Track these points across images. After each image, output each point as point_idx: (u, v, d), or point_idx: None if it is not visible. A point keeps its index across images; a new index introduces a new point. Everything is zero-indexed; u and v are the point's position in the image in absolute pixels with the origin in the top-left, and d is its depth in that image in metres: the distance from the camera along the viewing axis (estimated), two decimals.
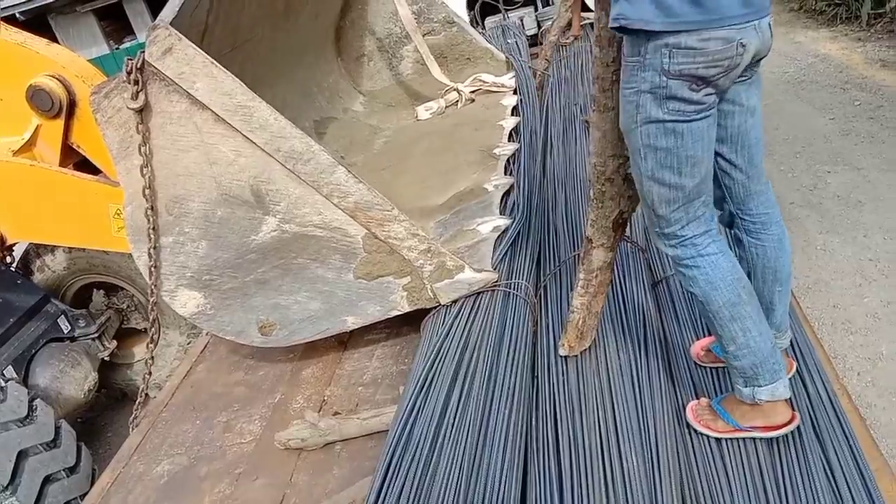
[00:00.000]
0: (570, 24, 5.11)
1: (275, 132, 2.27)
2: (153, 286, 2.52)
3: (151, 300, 2.56)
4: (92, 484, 3.05)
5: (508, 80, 4.77)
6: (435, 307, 2.46)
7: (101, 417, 4.38)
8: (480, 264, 2.49)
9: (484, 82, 4.76)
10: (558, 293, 2.41)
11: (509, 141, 3.70)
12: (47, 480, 2.83)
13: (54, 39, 12.48)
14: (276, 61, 3.95)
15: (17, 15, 11.84)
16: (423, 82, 5.05)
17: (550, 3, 7.17)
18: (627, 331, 2.13)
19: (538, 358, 2.14)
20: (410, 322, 2.53)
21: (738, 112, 1.64)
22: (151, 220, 2.44)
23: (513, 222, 2.75)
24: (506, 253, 2.58)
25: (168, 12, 2.30)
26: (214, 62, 2.22)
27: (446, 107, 4.73)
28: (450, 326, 2.26)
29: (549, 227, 2.89)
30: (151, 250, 2.48)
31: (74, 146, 3.33)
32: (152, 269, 2.51)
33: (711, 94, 1.52)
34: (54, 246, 3.88)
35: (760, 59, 1.58)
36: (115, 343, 4.01)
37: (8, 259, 3.83)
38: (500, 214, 2.86)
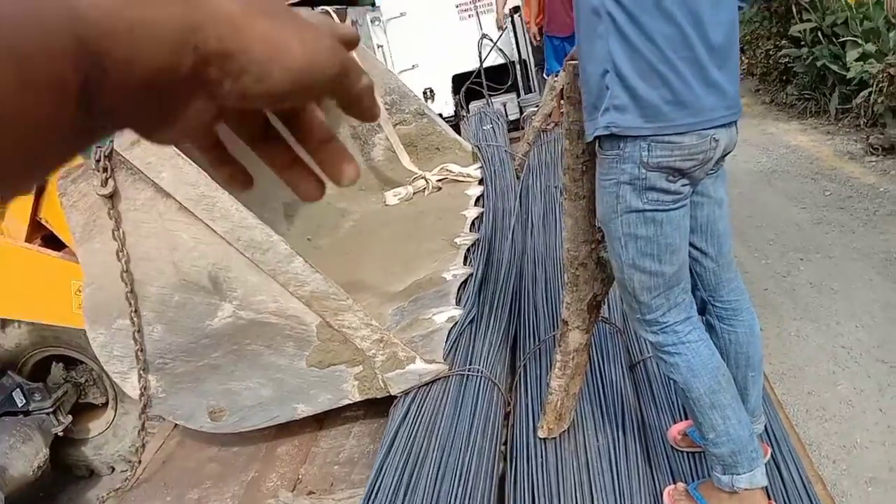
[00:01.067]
0: (552, 112, 5.38)
1: (236, 222, 2.34)
2: (141, 368, 2.54)
3: (141, 386, 2.57)
4: None
5: (474, 170, 4.94)
6: (385, 397, 2.50)
7: (55, 497, 4.25)
8: (432, 355, 2.54)
9: (450, 172, 4.93)
10: (538, 373, 2.43)
11: (471, 231, 3.81)
12: None
13: None
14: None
15: None
16: (393, 169, 5.21)
17: (532, 90, 7.50)
18: (605, 413, 2.16)
19: (515, 439, 2.15)
20: (389, 399, 2.54)
21: (707, 203, 1.71)
22: (132, 303, 2.46)
23: (473, 308, 2.82)
24: (473, 336, 2.62)
25: None
26: (180, 153, 2.31)
27: (414, 193, 4.87)
28: (408, 411, 2.29)
29: (529, 307, 2.94)
30: (136, 334, 2.49)
31: (43, 221, 3.37)
32: (138, 353, 2.52)
33: (687, 184, 1.59)
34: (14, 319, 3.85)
35: (727, 153, 1.66)
36: (70, 418, 3.93)
37: None
38: (456, 305, 2.93)
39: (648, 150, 1.53)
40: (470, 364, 2.47)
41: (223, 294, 2.44)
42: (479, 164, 5.02)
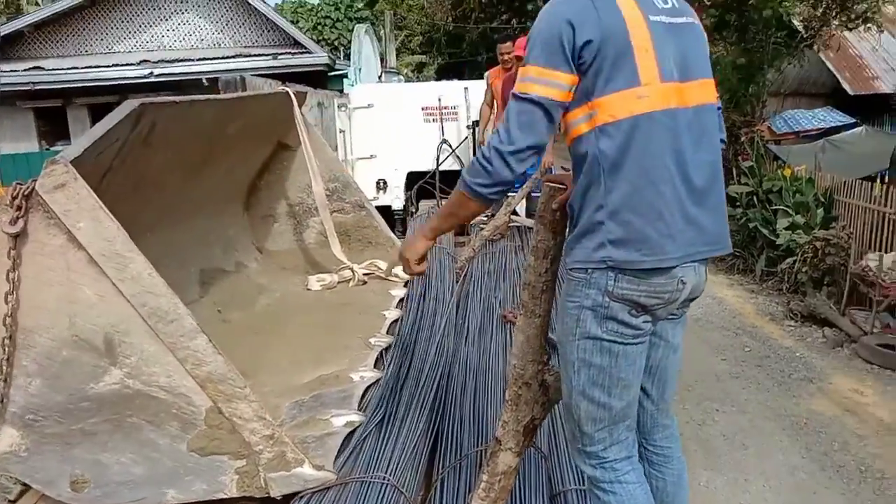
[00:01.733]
0: (504, 225, 5.50)
1: (146, 286, 2.25)
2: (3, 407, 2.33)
3: None
4: None
5: (403, 271, 4.95)
6: (265, 497, 2.36)
7: None
8: (322, 460, 2.44)
9: (379, 268, 4.92)
10: (456, 488, 2.32)
11: (388, 333, 3.77)
12: None
13: None
14: (178, 206, 3.97)
15: None
16: (322, 255, 5.17)
17: None
18: None
19: None
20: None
21: (663, 347, 1.71)
22: (7, 349, 2.30)
23: (381, 410, 2.74)
24: (382, 441, 2.53)
25: (73, 150, 2.33)
26: (103, 207, 2.23)
27: (338, 282, 4.83)
28: None
29: (454, 417, 2.82)
30: (1, 382, 2.31)
31: None
32: (3, 398, 2.33)
33: (649, 321, 1.60)
34: None
35: (693, 298, 1.67)
36: None
37: None
38: (358, 410, 2.85)
39: (615, 281, 1.55)
40: (375, 470, 2.36)
41: (115, 358, 2.31)
42: None
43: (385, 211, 8.35)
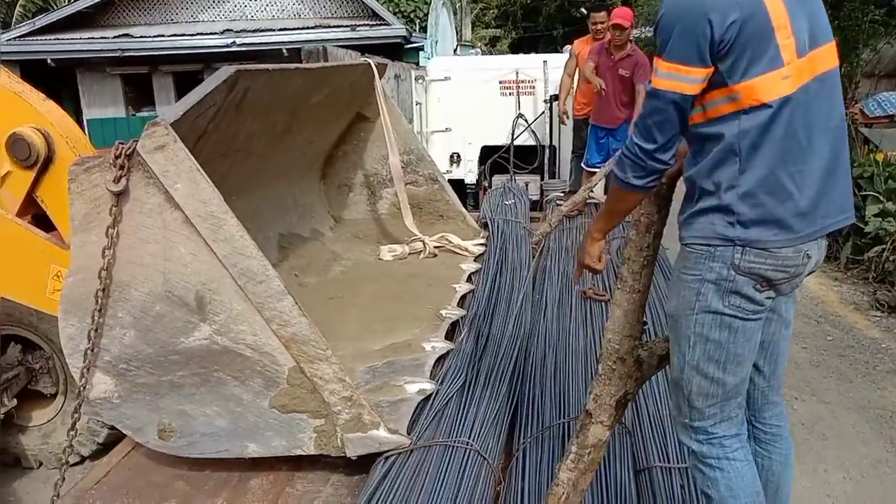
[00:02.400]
0: (583, 201, 5.46)
1: (237, 248, 2.33)
2: (86, 368, 2.48)
3: (82, 383, 2.50)
4: None
5: (473, 245, 4.97)
6: (342, 457, 2.44)
7: None
8: (396, 425, 2.50)
9: (449, 241, 4.96)
10: (538, 458, 2.35)
11: (459, 306, 3.81)
12: None
13: (76, 92, 12.71)
14: (261, 172, 4.09)
15: (49, 61, 12.14)
16: (394, 225, 5.24)
17: (556, 175, 7.69)
18: None
19: None
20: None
21: (776, 321, 1.69)
22: (100, 301, 2.42)
23: (460, 378, 2.78)
24: (463, 409, 2.56)
25: (172, 113, 2.42)
26: (199, 169, 2.31)
27: (409, 254, 4.89)
28: (388, 472, 2.22)
29: (533, 390, 2.84)
30: (92, 332, 2.44)
31: (38, 199, 3.34)
32: (88, 351, 2.46)
33: (771, 297, 1.57)
34: None
35: (811, 273, 1.64)
36: (15, 402, 3.80)
37: None
38: (430, 379, 2.90)
39: (742, 255, 1.53)
40: (457, 436, 2.40)
41: (205, 315, 2.41)
42: (478, 241, 5.06)
43: (458, 185, 8.28)
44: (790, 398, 4.79)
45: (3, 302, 3.74)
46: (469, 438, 2.36)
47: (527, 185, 7.17)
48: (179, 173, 2.31)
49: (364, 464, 2.41)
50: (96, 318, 2.44)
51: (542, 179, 7.70)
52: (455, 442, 2.35)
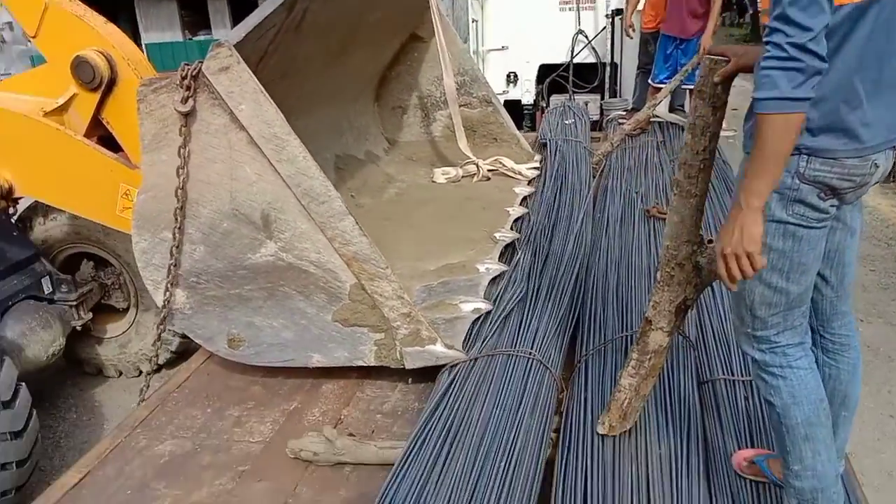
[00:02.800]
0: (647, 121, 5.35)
1: (300, 168, 2.40)
2: (169, 283, 2.63)
3: (166, 297, 2.66)
4: (31, 455, 3.04)
5: (527, 169, 4.96)
6: (401, 368, 2.56)
7: (61, 388, 4.39)
8: (453, 341, 2.60)
9: (503, 165, 4.95)
10: (601, 370, 2.40)
11: (512, 229, 3.85)
12: None
13: (133, 16, 12.73)
14: (317, 93, 4.12)
15: None
16: (448, 148, 5.25)
17: (617, 94, 7.36)
18: (670, 424, 2.11)
19: (570, 429, 2.12)
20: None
21: (841, 230, 1.66)
22: (179, 219, 2.54)
23: (521, 289, 2.85)
24: (524, 320, 2.63)
25: (235, 34, 2.46)
26: (263, 91, 2.37)
27: (462, 177, 4.91)
28: (454, 379, 2.31)
29: (595, 305, 2.87)
30: (174, 248, 2.57)
31: (104, 121, 3.46)
32: (171, 266, 2.60)
33: (835, 205, 1.55)
34: (59, 209, 3.97)
35: (878, 182, 1.61)
36: (90, 315, 4.05)
37: (10, 210, 3.91)
38: (484, 299, 2.98)
39: (807, 163, 1.50)
40: (519, 347, 2.46)
41: (270, 233, 2.51)
42: (532, 164, 5.05)
43: (515, 105, 8.00)
44: (856, 321, 4.69)
45: (75, 221, 3.94)
46: (531, 349, 2.43)
47: (586, 105, 6.84)
48: (244, 94, 2.37)
49: (430, 373, 2.52)
50: (176, 235, 2.57)
51: (603, 98, 7.42)
52: (517, 352, 2.41)
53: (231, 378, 2.73)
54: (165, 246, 2.63)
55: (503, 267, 3.31)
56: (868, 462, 3.40)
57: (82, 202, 3.50)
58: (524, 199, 4.37)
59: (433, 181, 4.93)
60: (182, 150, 2.46)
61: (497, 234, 3.72)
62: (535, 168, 5.01)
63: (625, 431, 2.05)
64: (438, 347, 2.51)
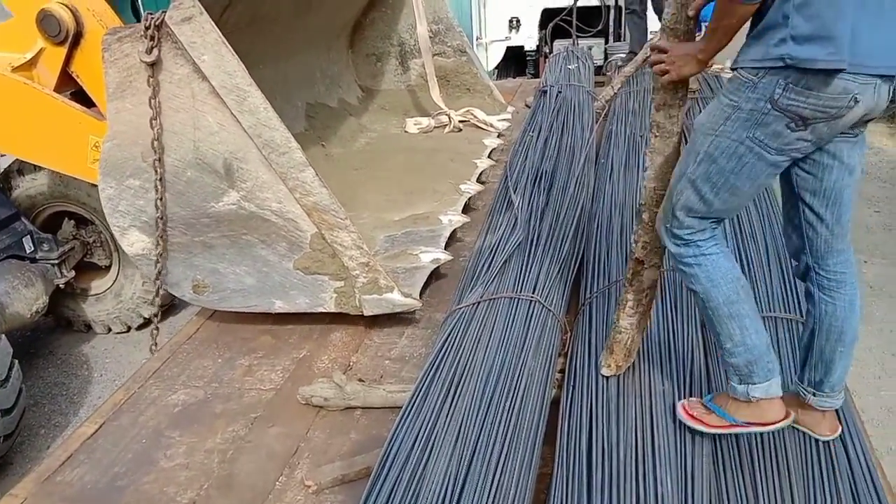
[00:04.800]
0: (645, 61, 5.30)
1: (261, 119, 2.45)
2: (162, 228, 2.68)
3: (157, 253, 2.73)
4: (16, 404, 3.13)
5: (498, 121, 5.01)
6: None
7: (46, 344, 4.48)
8: (411, 290, 2.70)
9: (475, 117, 5.00)
10: (604, 311, 2.41)
11: (478, 181, 3.93)
12: None
13: None
14: (288, 41, 4.12)
15: None
16: (421, 98, 5.28)
17: (623, 38, 7.14)
18: (674, 361, 2.13)
19: (574, 370, 2.14)
20: (443, 309, 2.64)
21: (838, 168, 1.66)
22: (159, 171, 2.58)
23: (521, 233, 2.86)
24: (525, 264, 2.66)
25: None
26: (225, 42, 2.39)
27: (434, 128, 4.96)
28: (457, 322, 2.35)
29: (599, 250, 2.86)
30: (158, 202, 2.62)
31: (73, 75, 3.45)
32: (158, 220, 2.66)
33: (802, 140, 1.55)
34: (37, 167, 3.99)
35: (870, 119, 1.60)
36: (73, 273, 4.10)
37: None
38: (444, 250, 3.08)
39: (784, 90, 1.50)
40: (521, 290, 2.50)
41: (233, 182, 2.57)
42: (504, 116, 5.09)
43: (517, 52, 7.90)
44: (859, 262, 4.62)
45: (55, 181, 3.97)
46: (532, 293, 2.47)
47: (590, 50, 6.67)
48: (206, 45, 2.40)
49: (436, 320, 2.61)
50: (158, 187, 2.61)
51: (607, 43, 7.27)
52: (520, 295, 2.45)
53: (241, 329, 2.79)
54: (131, 192, 2.68)
55: (466, 219, 3.40)
56: (870, 399, 3.47)
57: (53, 156, 3.52)
58: (492, 151, 4.44)
59: (405, 131, 4.98)
60: (153, 101, 2.49)
61: (462, 186, 3.81)
62: (506, 120, 5.06)
63: (628, 369, 2.10)
64: (395, 296, 2.61)
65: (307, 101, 4.60)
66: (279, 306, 2.73)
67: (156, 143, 2.54)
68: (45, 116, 3.38)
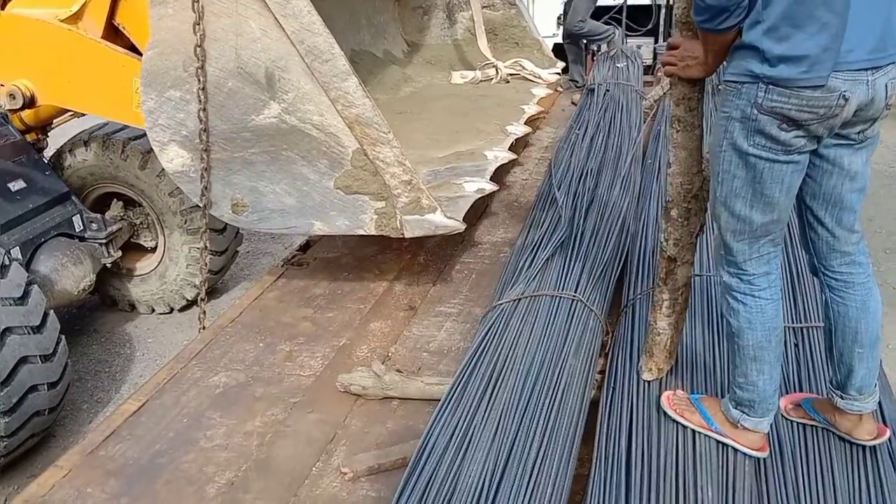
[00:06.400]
0: None
1: (304, 24, 2.36)
2: (205, 146, 2.62)
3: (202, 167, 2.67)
4: (62, 378, 3.15)
5: (548, 73, 4.86)
6: (399, 238, 2.57)
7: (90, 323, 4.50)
8: (454, 213, 2.59)
9: (523, 68, 4.87)
10: (647, 312, 2.27)
11: (525, 124, 3.80)
12: (22, 360, 2.91)
13: None
14: None
15: None
16: (468, 51, 5.15)
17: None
18: (717, 364, 2.10)
19: (616, 370, 2.12)
20: (482, 304, 2.64)
21: (836, 174, 1.65)
22: (202, 80, 2.51)
23: (563, 231, 2.79)
24: (567, 263, 2.60)
25: None
26: None
27: (481, 80, 4.83)
28: (497, 318, 2.31)
29: (645, 250, 2.77)
30: (201, 112, 2.56)
31: (119, 26, 3.42)
32: (203, 153, 2.62)
33: (802, 137, 1.54)
34: (87, 147, 4.06)
35: (873, 119, 1.58)
36: (119, 253, 4.14)
37: (42, 145, 4.03)
38: (490, 181, 2.96)
39: (765, 92, 1.49)
40: (563, 289, 2.44)
41: (274, 93, 2.48)
42: (554, 70, 4.94)
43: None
44: (879, 260, 4.57)
45: (106, 161, 4.02)
46: (574, 292, 2.40)
47: (639, 49, 6.53)
48: None
49: (476, 315, 2.57)
50: (200, 97, 2.54)
51: (657, 42, 7.14)
52: (561, 293, 2.39)
53: (283, 314, 2.78)
54: (171, 105, 2.62)
55: (512, 155, 3.28)
56: None
57: (100, 102, 3.49)
58: (540, 99, 4.30)
59: (451, 83, 4.86)
60: (196, 5, 2.41)
61: (509, 127, 3.68)
62: (556, 73, 4.91)
63: (669, 372, 2.06)
64: (438, 217, 2.50)
65: (352, 47, 4.52)
66: (318, 228, 2.64)
67: (198, 49, 2.46)
68: (90, 62, 3.34)
